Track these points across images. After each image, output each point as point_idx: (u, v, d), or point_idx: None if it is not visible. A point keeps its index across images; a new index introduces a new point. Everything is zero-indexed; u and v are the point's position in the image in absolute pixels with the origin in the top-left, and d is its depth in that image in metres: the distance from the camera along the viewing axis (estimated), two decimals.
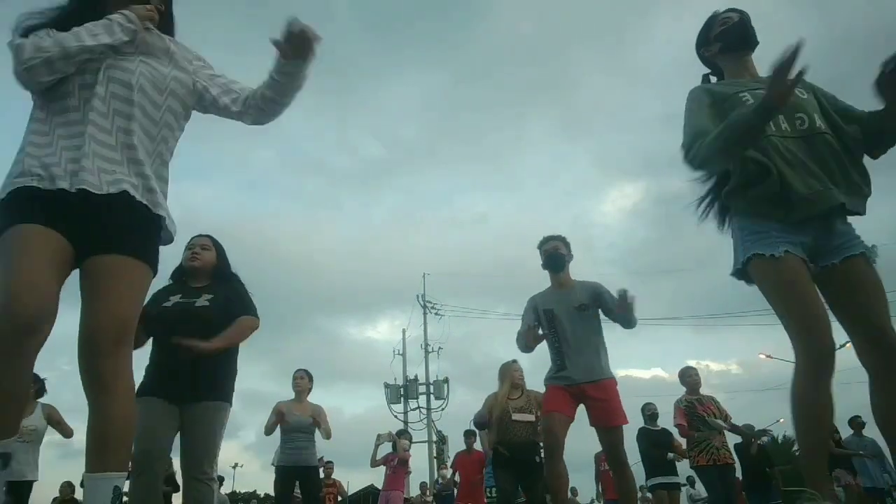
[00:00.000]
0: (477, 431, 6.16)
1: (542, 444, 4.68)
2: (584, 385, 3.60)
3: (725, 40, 2.30)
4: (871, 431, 7.20)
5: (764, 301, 2.15)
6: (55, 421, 5.32)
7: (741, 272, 2.09)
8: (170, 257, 3.27)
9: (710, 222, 2.26)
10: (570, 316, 3.75)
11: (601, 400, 3.58)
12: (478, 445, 6.64)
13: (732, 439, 6.02)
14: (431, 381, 21.40)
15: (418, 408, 21.07)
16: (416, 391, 21.18)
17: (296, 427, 5.29)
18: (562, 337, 3.73)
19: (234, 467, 35.54)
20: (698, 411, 5.63)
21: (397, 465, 7.07)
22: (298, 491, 5.71)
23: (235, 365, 3.10)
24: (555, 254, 3.92)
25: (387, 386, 20.99)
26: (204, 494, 2.81)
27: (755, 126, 1.90)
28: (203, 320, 2.92)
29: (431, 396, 21.08)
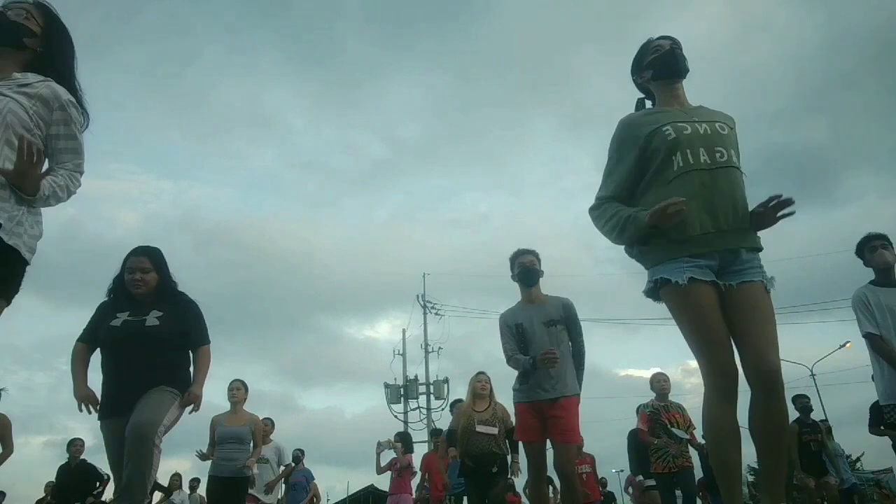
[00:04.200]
0: (444, 432, 6.37)
1: (504, 454, 4.96)
2: (546, 403, 3.69)
3: (655, 68, 2.39)
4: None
5: None
6: None
7: (652, 291, 2.21)
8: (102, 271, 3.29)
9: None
10: (539, 331, 3.81)
11: (559, 417, 3.67)
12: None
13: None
14: (431, 381, 21.37)
15: (418, 408, 21.08)
16: (416, 391, 21.15)
17: (226, 437, 5.32)
18: (529, 352, 3.76)
19: None
20: (662, 418, 5.63)
21: (402, 469, 7.09)
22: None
23: (186, 371, 3.08)
24: (531, 268, 3.95)
25: (387, 386, 20.95)
26: (143, 452, 2.66)
27: (635, 235, 2.17)
28: (155, 340, 2.92)
29: (431, 396, 21.07)
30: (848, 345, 20.44)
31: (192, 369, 3.12)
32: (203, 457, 5.47)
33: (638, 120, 2.34)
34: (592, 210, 2.34)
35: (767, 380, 1.97)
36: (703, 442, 5.81)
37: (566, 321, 3.88)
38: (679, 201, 2.01)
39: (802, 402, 6.89)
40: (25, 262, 1.81)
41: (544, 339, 3.78)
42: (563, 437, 3.67)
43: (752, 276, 2.10)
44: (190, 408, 3.03)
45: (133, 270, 3.06)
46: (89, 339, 3.09)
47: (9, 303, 1.78)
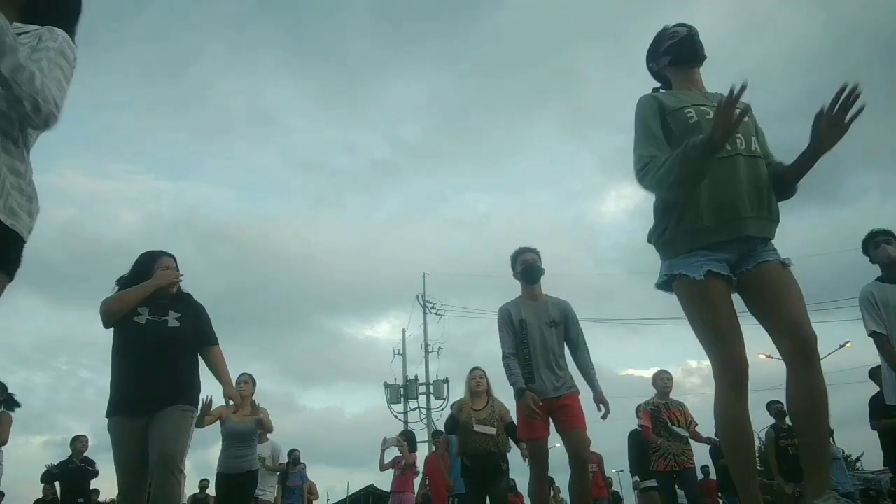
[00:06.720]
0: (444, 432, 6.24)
1: (503, 452, 4.87)
2: (553, 400, 3.75)
3: (674, 54, 2.34)
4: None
5: None
6: None
7: (665, 284, 2.17)
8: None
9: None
10: (542, 330, 3.87)
11: (567, 406, 3.76)
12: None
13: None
14: (431, 381, 21.40)
15: (418, 408, 21.12)
16: (416, 391, 21.19)
17: (234, 434, 5.21)
18: (532, 350, 3.83)
19: None
20: (662, 416, 5.60)
21: (405, 467, 7.12)
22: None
23: (199, 377, 3.24)
24: (533, 266, 4.02)
25: (387, 386, 20.99)
26: (172, 486, 2.84)
27: (701, 162, 1.95)
28: (178, 343, 3.08)
29: (431, 396, 21.09)
30: (848, 345, 20.39)
31: (199, 376, 3.26)
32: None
33: (659, 97, 2.27)
34: (640, 171, 2.12)
35: (805, 347, 1.90)
36: (710, 438, 5.87)
37: (566, 323, 3.96)
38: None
39: (776, 408, 6.77)
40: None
41: (546, 339, 3.86)
42: (576, 422, 3.73)
43: (769, 257, 2.08)
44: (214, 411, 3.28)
45: (171, 268, 3.24)
46: None
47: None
